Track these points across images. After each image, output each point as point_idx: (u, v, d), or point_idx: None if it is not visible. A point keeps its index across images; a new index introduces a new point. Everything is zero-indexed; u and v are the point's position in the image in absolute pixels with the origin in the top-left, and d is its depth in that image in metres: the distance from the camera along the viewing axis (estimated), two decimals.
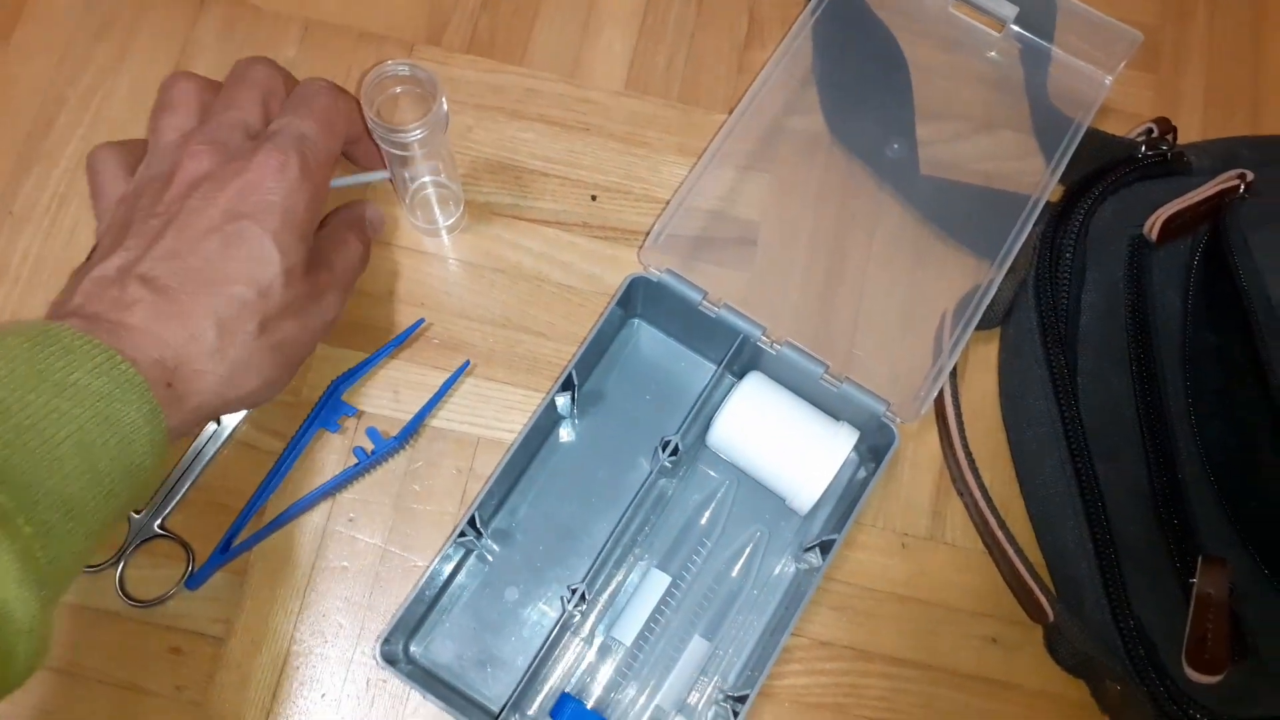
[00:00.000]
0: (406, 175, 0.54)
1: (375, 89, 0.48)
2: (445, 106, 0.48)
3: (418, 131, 0.47)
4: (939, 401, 0.56)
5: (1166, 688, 0.49)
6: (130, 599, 0.51)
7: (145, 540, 0.52)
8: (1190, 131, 0.63)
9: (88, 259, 0.46)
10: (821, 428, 0.52)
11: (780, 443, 0.52)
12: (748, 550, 0.54)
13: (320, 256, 0.49)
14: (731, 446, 0.53)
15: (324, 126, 0.48)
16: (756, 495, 0.55)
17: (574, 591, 0.48)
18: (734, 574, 0.53)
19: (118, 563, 0.52)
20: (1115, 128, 0.61)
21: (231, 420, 0.54)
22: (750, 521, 0.55)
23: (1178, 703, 0.49)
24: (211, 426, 0.54)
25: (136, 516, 0.52)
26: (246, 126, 0.48)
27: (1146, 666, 0.50)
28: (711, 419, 0.53)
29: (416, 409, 0.55)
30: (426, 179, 0.56)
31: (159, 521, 0.52)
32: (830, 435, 0.52)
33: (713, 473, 0.55)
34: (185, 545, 0.52)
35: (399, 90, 0.49)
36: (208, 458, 0.54)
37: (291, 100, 0.50)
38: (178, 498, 0.53)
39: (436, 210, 0.57)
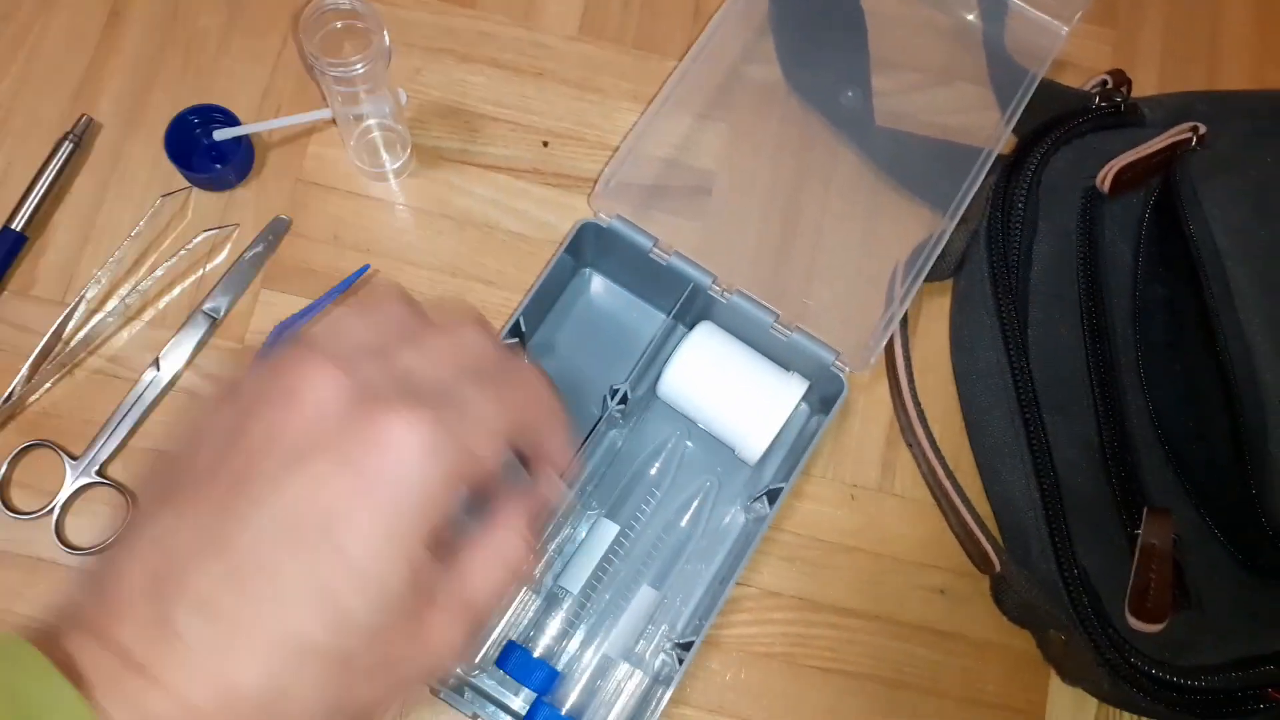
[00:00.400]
0: (351, 115, 0.53)
1: (315, 23, 0.47)
2: (387, 40, 0.46)
3: (359, 65, 0.46)
4: (890, 353, 0.56)
5: (1108, 636, 0.50)
6: (68, 546, 0.50)
7: (83, 488, 0.51)
8: (1147, 86, 0.63)
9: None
10: (771, 377, 0.52)
11: (729, 392, 0.52)
12: (697, 500, 0.53)
13: (447, 570, 0.33)
14: (681, 396, 0.53)
15: (510, 415, 0.33)
16: (708, 446, 0.54)
17: None
18: (683, 524, 0.53)
19: (54, 510, 0.50)
20: (1073, 82, 0.60)
21: (172, 367, 0.53)
22: (701, 472, 0.54)
23: (1119, 650, 0.49)
24: (151, 372, 0.53)
25: (74, 463, 0.51)
26: (410, 379, 0.32)
27: (1090, 615, 0.50)
28: (662, 369, 0.52)
29: None
30: (372, 121, 0.55)
31: (97, 468, 0.51)
32: (780, 385, 0.52)
33: (665, 424, 0.55)
34: (124, 492, 0.51)
35: (339, 25, 0.48)
36: (148, 403, 0.52)
37: (478, 371, 0.33)
38: (116, 444, 0.52)
39: (383, 153, 0.56)
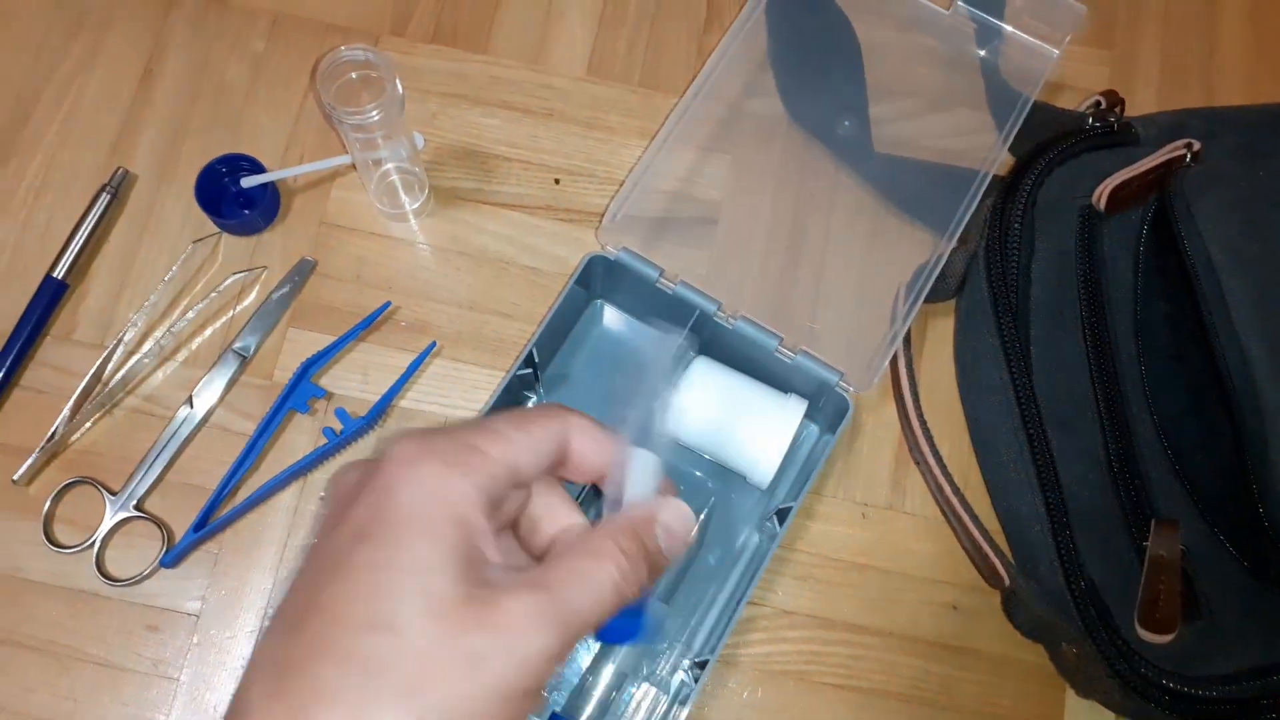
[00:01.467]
0: (370, 160, 0.56)
1: (332, 75, 0.49)
2: (400, 89, 0.49)
3: (374, 113, 0.48)
4: (895, 374, 0.57)
5: (1118, 647, 0.50)
6: (108, 578, 0.53)
7: (122, 521, 0.54)
8: (1145, 105, 0.64)
9: None
10: (771, 403, 0.53)
11: (732, 424, 0.53)
12: (701, 515, 0.55)
13: (538, 572, 0.31)
14: (688, 433, 0.54)
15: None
16: (720, 471, 0.56)
17: None
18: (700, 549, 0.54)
19: (95, 544, 0.53)
20: (1072, 103, 0.61)
21: (205, 404, 0.56)
22: (711, 494, 0.56)
23: (1129, 662, 0.50)
24: (185, 410, 0.55)
25: (113, 498, 0.54)
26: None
27: (1099, 627, 0.51)
28: None
29: (385, 390, 0.56)
30: (390, 165, 0.58)
31: (135, 503, 0.54)
32: (779, 408, 0.53)
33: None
34: (161, 525, 0.54)
35: (355, 76, 0.50)
36: (183, 439, 0.55)
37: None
38: (153, 479, 0.54)
39: (402, 195, 0.59)
